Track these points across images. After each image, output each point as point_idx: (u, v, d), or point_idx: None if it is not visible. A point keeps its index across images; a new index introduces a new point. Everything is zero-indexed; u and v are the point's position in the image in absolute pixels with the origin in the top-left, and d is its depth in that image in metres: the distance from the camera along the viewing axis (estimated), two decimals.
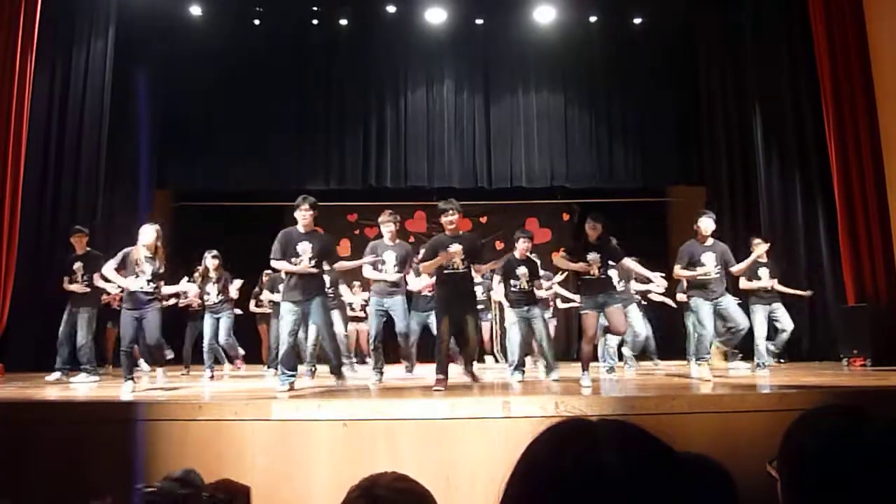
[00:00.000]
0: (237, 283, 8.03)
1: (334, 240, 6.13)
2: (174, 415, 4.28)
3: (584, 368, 5.74)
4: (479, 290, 8.64)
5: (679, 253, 6.52)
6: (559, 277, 8.07)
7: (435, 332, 7.26)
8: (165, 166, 10.89)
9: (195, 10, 10.62)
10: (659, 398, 4.60)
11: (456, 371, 6.09)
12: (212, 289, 7.73)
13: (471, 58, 11.23)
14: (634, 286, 7.90)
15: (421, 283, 7.37)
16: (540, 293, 7.11)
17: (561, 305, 8.93)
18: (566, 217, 12.12)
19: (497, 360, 9.83)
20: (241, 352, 8.39)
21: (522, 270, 6.62)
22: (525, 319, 6.60)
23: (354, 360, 8.78)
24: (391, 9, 10.84)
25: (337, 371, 5.86)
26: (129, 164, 10.18)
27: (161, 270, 5.99)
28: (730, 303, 6.37)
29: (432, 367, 5.70)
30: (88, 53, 9.62)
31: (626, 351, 7.87)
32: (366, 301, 8.13)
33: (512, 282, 6.65)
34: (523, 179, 11.03)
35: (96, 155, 9.47)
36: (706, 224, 6.41)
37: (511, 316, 6.78)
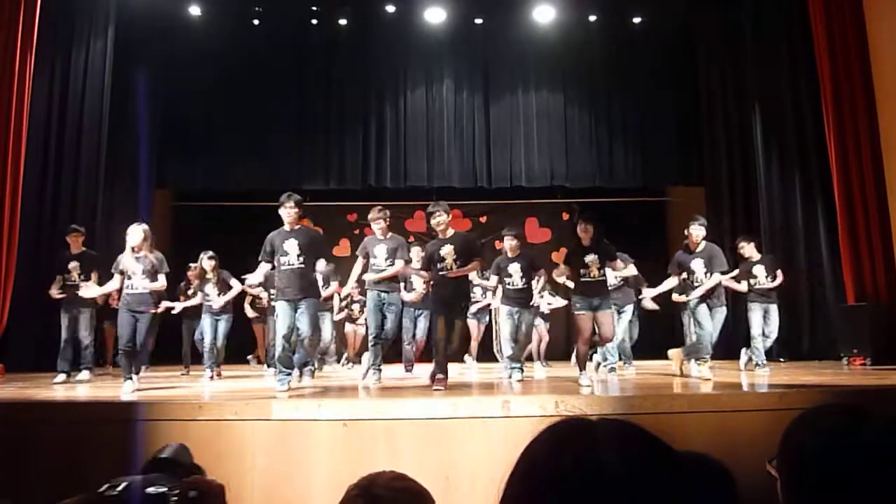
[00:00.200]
0: (237, 283, 7.97)
1: (322, 235, 6.14)
2: (174, 415, 4.29)
3: (582, 368, 5.75)
4: (478, 291, 8.66)
5: (671, 264, 6.77)
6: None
7: (407, 332, 7.41)
8: (165, 166, 10.89)
9: (194, 10, 10.62)
10: (658, 397, 4.61)
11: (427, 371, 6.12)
12: (211, 290, 7.71)
13: (470, 57, 11.23)
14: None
15: (412, 297, 7.42)
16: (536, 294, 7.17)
17: (545, 309, 8.92)
18: (566, 217, 12.12)
19: (498, 360, 9.82)
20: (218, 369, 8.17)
21: (514, 268, 6.66)
22: (514, 318, 6.67)
23: (349, 364, 8.80)
24: (390, 8, 10.84)
25: (301, 368, 5.94)
26: (129, 163, 10.18)
27: (153, 267, 5.94)
28: (718, 316, 6.60)
29: (431, 366, 5.71)
30: (88, 53, 9.62)
31: (597, 356, 7.76)
32: (363, 303, 8.14)
33: (506, 280, 6.71)
34: (523, 179, 11.03)
35: (96, 155, 9.47)
36: (697, 232, 6.49)
37: (502, 312, 6.86)
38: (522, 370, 6.59)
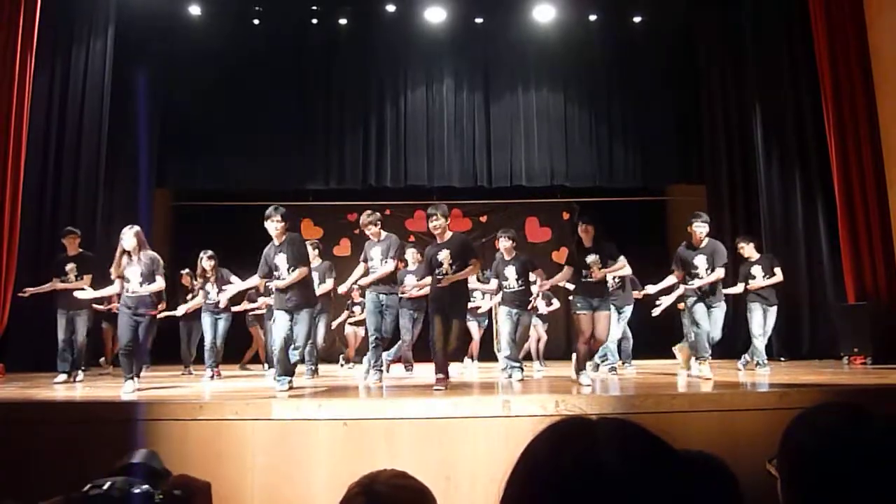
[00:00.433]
0: (237, 281, 7.96)
1: (304, 242, 6.17)
2: (175, 414, 4.29)
3: (581, 368, 5.75)
4: (477, 295, 8.66)
5: (674, 260, 6.69)
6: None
7: (406, 332, 7.43)
8: (165, 166, 10.89)
9: (194, 10, 10.62)
10: (659, 396, 4.61)
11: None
12: (211, 289, 7.72)
13: (470, 57, 11.23)
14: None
15: (414, 281, 7.46)
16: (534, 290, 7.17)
17: (543, 310, 8.92)
18: (566, 216, 12.11)
19: (499, 360, 9.82)
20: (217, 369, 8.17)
21: (510, 271, 6.71)
22: (512, 319, 6.71)
23: (350, 364, 8.78)
24: (391, 8, 10.83)
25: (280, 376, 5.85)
26: (129, 163, 10.19)
27: (152, 268, 5.93)
28: (718, 314, 6.51)
29: (432, 366, 5.71)
30: (88, 53, 9.62)
31: (596, 356, 7.77)
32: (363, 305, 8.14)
33: (503, 283, 6.76)
34: (523, 178, 11.03)
35: (96, 154, 9.47)
36: (700, 228, 6.48)
37: (501, 312, 6.90)
38: (522, 369, 6.60)
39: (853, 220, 8.42)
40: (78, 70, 9.55)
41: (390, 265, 6.49)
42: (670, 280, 6.82)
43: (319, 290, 7.46)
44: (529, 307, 6.91)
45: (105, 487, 1.32)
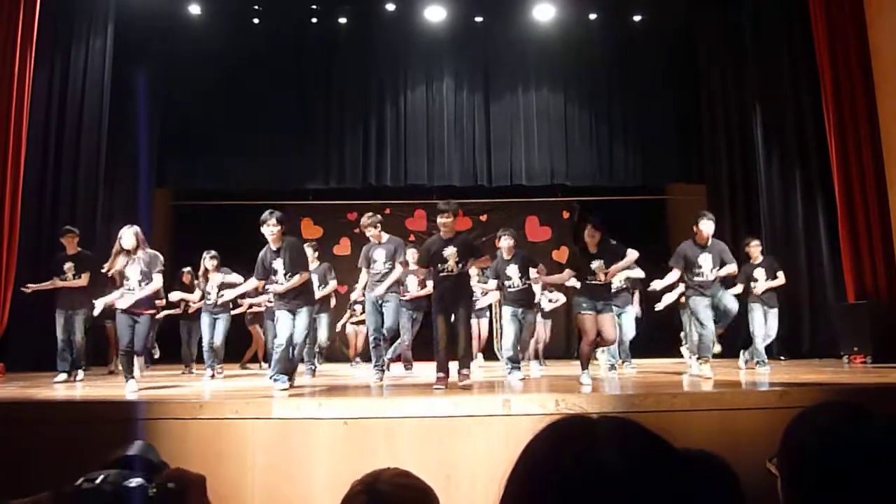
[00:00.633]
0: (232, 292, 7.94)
1: (301, 246, 6.14)
2: (175, 413, 4.29)
3: (584, 367, 5.74)
4: (477, 290, 8.66)
5: (675, 254, 6.50)
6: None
7: (406, 332, 7.42)
8: (165, 165, 10.90)
9: (194, 9, 10.62)
10: (659, 395, 4.60)
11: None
12: (211, 287, 7.72)
13: (470, 56, 11.23)
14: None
15: (415, 283, 7.45)
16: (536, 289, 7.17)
17: (546, 307, 8.93)
18: (566, 215, 12.11)
19: (500, 359, 9.82)
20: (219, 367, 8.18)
21: (512, 269, 6.68)
22: (518, 319, 6.68)
23: (359, 360, 8.77)
24: (390, 7, 10.84)
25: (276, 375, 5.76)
26: (129, 162, 10.20)
27: (148, 262, 5.92)
28: (723, 294, 6.43)
29: (432, 365, 5.71)
30: (87, 52, 9.62)
31: (603, 357, 7.78)
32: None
33: (506, 283, 6.72)
34: (523, 177, 11.03)
35: (96, 153, 9.47)
36: (706, 226, 6.35)
37: (505, 312, 6.81)
38: (520, 369, 6.60)
39: (853, 220, 8.42)
40: (77, 68, 9.55)
41: (398, 271, 6.54)
42: (673, 276, 6.68)
43: (321, 292, 7.48)
44: (535, 301, 6.91)
45: (97, 481, 1.30)
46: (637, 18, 11.05)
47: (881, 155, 8.23)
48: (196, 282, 8.12)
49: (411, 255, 7.77)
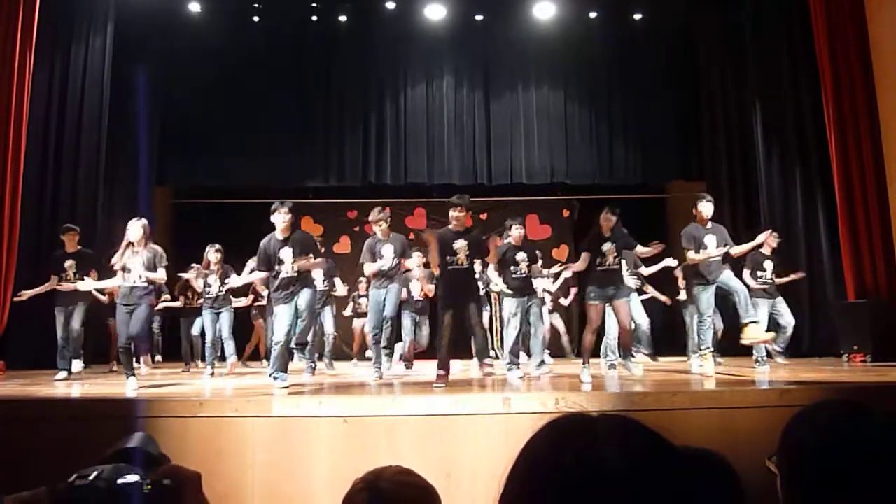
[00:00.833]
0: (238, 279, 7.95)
1: (313, 237, 6.15)
2: (175, 411, 4.29)
3: (585, 362, 5.75)
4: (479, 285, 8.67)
5: (684, 238, 6.44)
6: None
7: (407, 331, 7.41)
8: (165, 163, 10.89)
9: (194, 7, 10.61)
10: (659, 394, 4.61)
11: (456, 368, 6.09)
12: (213, 282, 7.70)
13: (471, 54, 11.22)
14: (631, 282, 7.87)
15: (418, 285, 7.45)
16: (540, 283, 7.15)
17: (564, 302, 8.95)
18: (566, 213, 12.11)
19: (497, 357, 9.82)
20: (234, 357, 8.23)
21: (522, 256, 6.65)
22: (524, 309, 6.64)
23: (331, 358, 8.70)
24: (390, 5, 10.82)
25: (299, 349, 5.81)
26: (129, 160, 10.19)
27: (154, 261, 5.92)
28: (726, 274, 6.36)
29: (433, 363, 5.71)
30: (87, 50, 9.62)
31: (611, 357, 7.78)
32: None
33: (512, 268, 6.65)
34: (523, 176, 11.03)
35: (96, 152, 9.47)
36: (706, 208, 6.40)
37: (510, 306, 6.74)
38: (519, 367, 6.60)
39: (853, 218, 8.42)
40: (77, 67, 9.55)
41: (398, 266, 6.61)
42: (694, 255, 6.45)
43: (325, 288, 7.50)
44: (535, 291, 6.90)
45: (91, 478, 1.28)
46: (637, 17, 11.03)
47: (881, 151, 8.23)
48: (201, 275, 8.08)
49: (417, 257, 7.74)
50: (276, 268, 5.62)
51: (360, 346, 9.95)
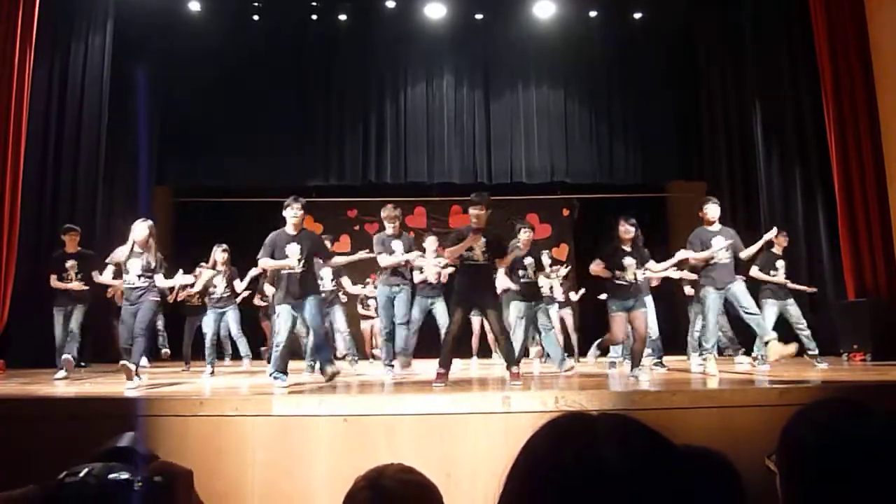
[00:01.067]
0: (241, 283, 7.94)
1: (321, 238, 6.15)
2: (175, 410, 4.29)
3: (635, 364, 5.89)
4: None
5: (690, 241, 6.48)
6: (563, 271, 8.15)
7: (439, 320, 7.29)
8: (165, 162, 10.90)
9: (194, 6, 10.61)
10: (659, 393, 4.61)
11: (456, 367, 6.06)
12: (219, 281, 7.68)
13: (471, 53, 11.22)
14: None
15: (431, 270, 7.39)
16: (549, 283, 7.15)
17: (574, 297, 8.96)
18: (566, 213, 12.12)
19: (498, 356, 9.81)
20: (248, 353, 8.29)
21: (529, 260, 6.63)
22: (531, 314, 6.63)
23: (356, 357, 8.65)
24: (390, 4, 10.83)
25: (323, 368, 5.69)
26: (129, 159, 10.20)
27: (153, 265, 5.90)
28: (739, 288, 6.32)
29: (431, 362, 5.69)
30: (87, 49, 9.63)
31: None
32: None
33: (519, 272, 6.63)
34: (523, 175, 11.04)
35: (96, 151, 9.48)
36: (712, 210, 6.43)
37: (516, 310, 6.71)
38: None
39: (853, 217, 8.43)
40: (77, 65, 9.56)
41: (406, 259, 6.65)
42: (685, 254, 6.53)
43: (332, 286, 7.48)
44: (542, 294, 6.92)
45: (81, 475, 1.27)
46: (637, 16, 11.04)
47: (881, 151, 8.23)
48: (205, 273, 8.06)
49: (432, 242, 7.72)
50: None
51: (372, 345, 9.95)
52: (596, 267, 6.13)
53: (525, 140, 11.08)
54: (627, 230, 6.01)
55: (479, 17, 11.04)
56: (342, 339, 8.03)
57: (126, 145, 10.13)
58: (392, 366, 6.52)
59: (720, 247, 6.24)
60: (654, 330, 7.70)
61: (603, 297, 6.56)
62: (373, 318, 9.47)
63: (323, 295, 6.59)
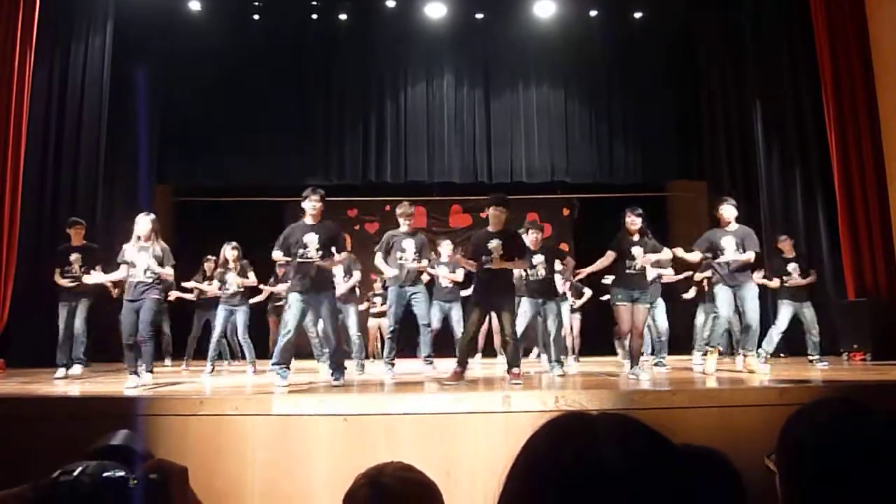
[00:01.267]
0: (253, 276, 7.89)
1: (341, 229, 6.14)
2: (175, 410, 4.29)
3: (635, 362, 5.84)
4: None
5: (700, 239, 6.52)
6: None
7: (454, 324, 7.28)
8: (165, 161, 10.89)
9: (194, 6, 10.61)
10: (659, 392, 4.61)
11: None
12: (231, 278, 7.64)
13: (471, 53, 11.21)
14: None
15: (446, 271, 7.37)
16: (558, 283, 7.15)
17: (575, 303, 8.95)
18: (566, 212, 12.11)
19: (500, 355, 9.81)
20: (253, 356, 8.20)
21: (539, 259, 6.62)
22: (540, 311, 6.63)
23: (364, 362, 8.57)
24: (391, 3, 10.82)
25: (333, 367, 5.69)
26: (129, 159, 10.19)
27: (160, 255, 5.84)
28: (748, 293, 6.26)
29: (446, 361, 5.69)
30: (87, 49, 9.63)
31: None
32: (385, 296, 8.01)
33: (529, 271, 6.61)
34: (523, 174, 11.03)
35: (96, 150, 9.48)
36: (728, 211, 6.43)
37: (524, 306, 6.66)
38: (562, 363, 6.57)
39: (853, 217, 8.43)
40: (77, 65, 9.56)
41: (418, 265, 6.58)
42: (692, 256, 6.53)
43: (346, 283, 7.39)
44: (556, 293, 6.88)
45: (75, 474, 1.27)
46: (637, 16, 11.03)
47: (881, 150, 8.24)
48: (217, 272, 8.01)
49: (447, 246, 7.69)
50: (298, 251, 5.52)
51: (378, 344, 9.92)
52: (605, 261, 6.14)
53: (525, 139, 11.07)
54: (634, 221, 6.04)
55: (479, 16, 11.03)
56: (354, 344, 7.98)
57: (126, 145, 10.12)
58: (393, 364, 6.48)
59: (727, 259, 6.25)
60: (663, 329, 7.71)
61: (608, 280, 6.53)
62: (380, 314, 9.44)
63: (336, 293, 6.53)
